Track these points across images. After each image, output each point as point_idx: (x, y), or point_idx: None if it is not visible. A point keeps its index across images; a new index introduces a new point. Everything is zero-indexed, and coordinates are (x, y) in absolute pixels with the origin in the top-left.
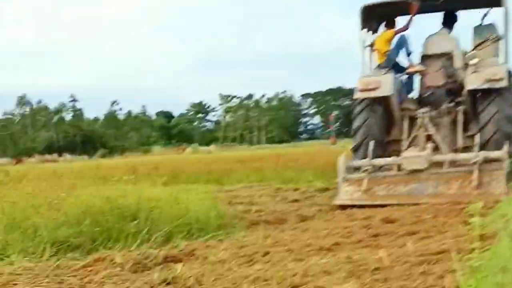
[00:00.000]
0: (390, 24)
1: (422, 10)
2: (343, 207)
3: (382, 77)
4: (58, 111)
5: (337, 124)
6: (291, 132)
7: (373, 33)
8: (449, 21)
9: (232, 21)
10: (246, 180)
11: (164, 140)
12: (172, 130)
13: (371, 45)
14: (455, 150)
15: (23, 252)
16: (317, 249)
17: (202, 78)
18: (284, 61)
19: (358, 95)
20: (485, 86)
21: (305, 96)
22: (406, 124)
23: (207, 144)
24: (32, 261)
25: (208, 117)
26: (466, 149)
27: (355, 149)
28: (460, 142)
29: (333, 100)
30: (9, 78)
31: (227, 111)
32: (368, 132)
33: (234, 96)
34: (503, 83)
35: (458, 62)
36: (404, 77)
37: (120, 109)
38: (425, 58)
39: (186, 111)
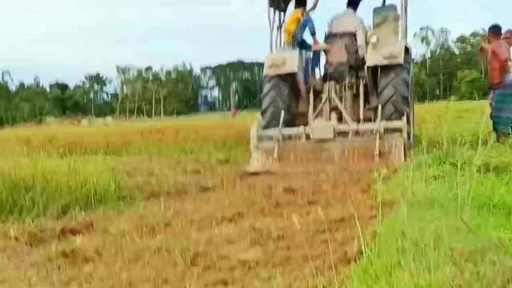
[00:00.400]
0: (300, 4)
1: None
2: (250, 175)
3: (287, 55)
4: None
5: (237, 97)
6: (190, 104)
7: (279, 12)
8: (354, 2)
9: None
10: (145, 152)
11: (59, 112)
12: (67, 102)
13: (280, 26)
14: (358, 121)
15: None
16: (219, 219)
17: (98, 50)
18: (183, 34)
19: (266, 72)
20: (384, 62)
21: (204, 69)
22: (311, 98)
23: (104, 116)
24: None
25: (105, 89)
26: (369, 120)
27: (262, 114)
28: (362, 114)
29: (233, 73)
30: None
31: (124, 83)
32: (276, 104)
33: (132, 68)
34: (400, 60)
35: (360, 41)
36: (310, 54)
37: (12, 79)
38: (330, 36)
39: (81, 83)
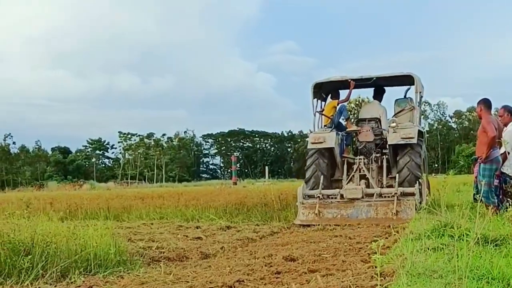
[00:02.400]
0: (335, 95)
1: (358, 86)
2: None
3: (327, 134)
4: None
5: (238, 165)
6: (192, 171)
7: (321, 101)
8: (379, 94)
9: (132, 60)
10: (147, 218)
11: (60, 176)
12: (69, 166)
13: (321, 111)
14: (381, 187)
15: None
16: (219, 286)
17: (100, 115)
18: (183, 102)
19: (310, 146)
20: (402, 142)
21: (206, 136)
22: (345, 167)
23: (106, 181)
24: None
25: (107, 154)
26: (390, 186)
27: (306, 181)
28: (385, 181)
29: (234, 141)
30: None
31: (126, 148)
32: (317, 174)
33: (134, 134)
34: (414, 140)
35: (383, 124)
36: (344, 134)
37: (14, 143)
38: (360, 121)
39: (83, 147)
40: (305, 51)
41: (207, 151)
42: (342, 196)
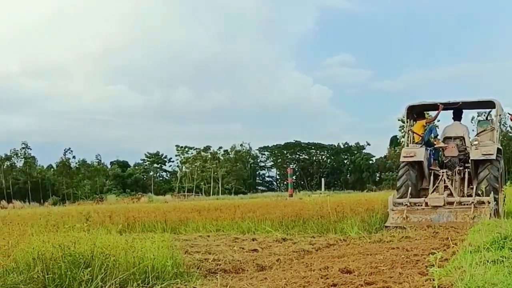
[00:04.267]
0: (421, 116)
1: (444, 109)
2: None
3: (417, 149)
4: (8, 157)
5: (294, 177)
6: (248, 184)
7: (412, 120)
8: (458, 115)
9: (188, 74)
10: (203, 230)
11: (119, 189)
12: (127, 179)
13: (411, 130)
14: (463, 196)
15: None
16: None
17: (157, 129)
18: (239, 115)
19: (402, 160)
20: (482, 158)
21: (262, 149)
22: (432, 178)
23: (163, 194)
24: None
25: (164, 167)
26: (470, 196)
27: (397, 189)
28: (466, 191)
29: (290, 154)
30: None
31: (183, 162)
32: (407, 183)
33: (191, 148)
34: (493, 156)
35: (467, 142)
36: (432, 150)
37: (74, 157)
38: (445, 139)
39: (141, 161)
40: (360, 63)
41: (263, 164)
42: (426, 204)
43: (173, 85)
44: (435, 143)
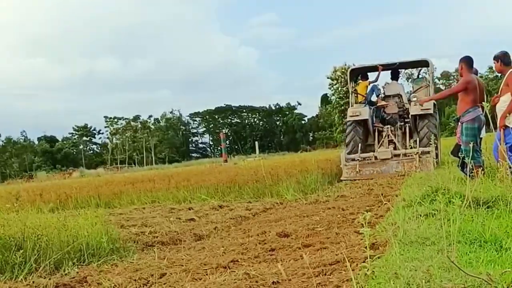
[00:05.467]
0: (364, 77)
1: (383, 69)
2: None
3: (362, 109)
4: None
5: (228, 141)
6: (181, 151)
7: (354, 82)
8: (396, 75)
9: (111, 42)
10: (138, 202)
11: (49, 165)
12: (57, 155)
13: (355, 91)
14: (405, 148)
15: None
16: (214, 267)
17: (83, 101)
18: (167, 82)
19: (349, 119)
20: (421, 112)
21: (193, 115)
22: (376, 134)
23: (95, 167)
24: None
25: (94, 140)
26: (412, 148)
27: (346, 145)
28: (407, 144)
29: (222, 118)
30: None
31: (113, 133)
32: (355, 139)
33: (120, 118)
34: (431, 111)
35: (404, 99)
36: (375, 108)
37: None
38: (386, 97)
39: (70, 135)
40: (285, 22)
41: (195, 130)
42: (375, 157)
43: (96, 54)
44: (377, 102)
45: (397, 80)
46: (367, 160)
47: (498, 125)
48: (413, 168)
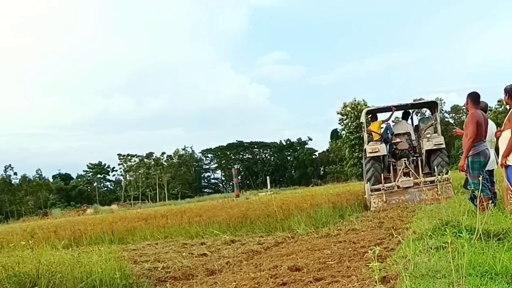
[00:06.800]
0: (375, 117)
1: (396, 110)
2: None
3: (379, 146)
4: None
5: (240, 177)
6: (194, 187)
7: (369, 121)
8: (406, 115)
9: (125, 83)
10: (151, 238)
11: (63, 203)
12: (71, 192)
13: (371, 129)
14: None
15: None
16: None
17: (98, 139)
18: (180, 120)
19: (369, 154)
20: (435, 147)
21: (205, 151)
22: (391, 168)
23: (109, 204)
24: None
25: (108, 177)
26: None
27: (368, 180)
28: (421, 176)
29: (233, 154)
30: None
31: (127, 170)
32: (375, 174)
33: (134, 155)
34: (443, 146)
35: (413, 136)
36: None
37: (15, 173)
38: (396, 135)
39: (84, 172)
40: (294, 60)
41: (207, 166)
42: (398, 186)
43: (110, 94)
44: (391, 139)
45: (407, 120)
46: (391, 189)
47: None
48: (436, 195)
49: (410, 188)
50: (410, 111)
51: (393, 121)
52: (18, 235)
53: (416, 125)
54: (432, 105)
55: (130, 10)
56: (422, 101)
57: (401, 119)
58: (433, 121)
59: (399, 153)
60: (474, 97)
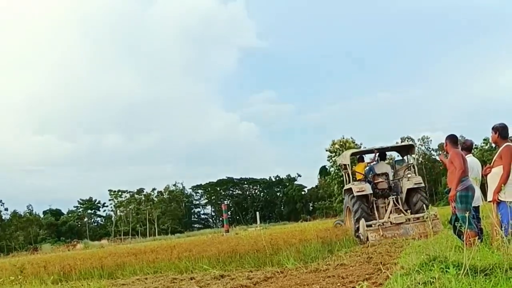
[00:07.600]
0: (361, 159)
1: (378, 151)
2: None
3: (364, 185)
4: None
5: (229, 212)
6: (184, 222)
7: (353, 163)
8: (383, 156)
9: (116, 119)
10: (141, 273)
11: (53, 238)
12: (62, 227)
13: (355, 170)
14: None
15: None
16: None
17: (89, 176)
18: (170, 156)
19: (356, 193)
20: (415, 186)
21: (196, 187)
22: (374, 205)
23: (99, 239)
24: None
25: (98, 213)
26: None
27: (357, 219)
28: (403, 212)
29: (223, 190)
30: None
31: (117, 206)
32: (363, 213)
33: (125, 191)
34: (422, 184)
35: (391, 177)
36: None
37: (6, 209)
38: (376, 175)
39: (75, 208)
40: (283, 99)
41: (197, 202)
42: (391, 222)
43: (101, 130)
44: (372, 179)
45: (384, 160)
46: (384, 225)
47: (491, 197)
48: (427, 230)
49: (404, 223)
50: (387, 152)
51: (375, 163)
52: (7, 270)
53: (392, 166)
54: (409, 148)
55: (123, 47)
56: (400, 144)
57: (379, 160)
58: (409, 162)
59: (379, 192)
60: (452, 139)
